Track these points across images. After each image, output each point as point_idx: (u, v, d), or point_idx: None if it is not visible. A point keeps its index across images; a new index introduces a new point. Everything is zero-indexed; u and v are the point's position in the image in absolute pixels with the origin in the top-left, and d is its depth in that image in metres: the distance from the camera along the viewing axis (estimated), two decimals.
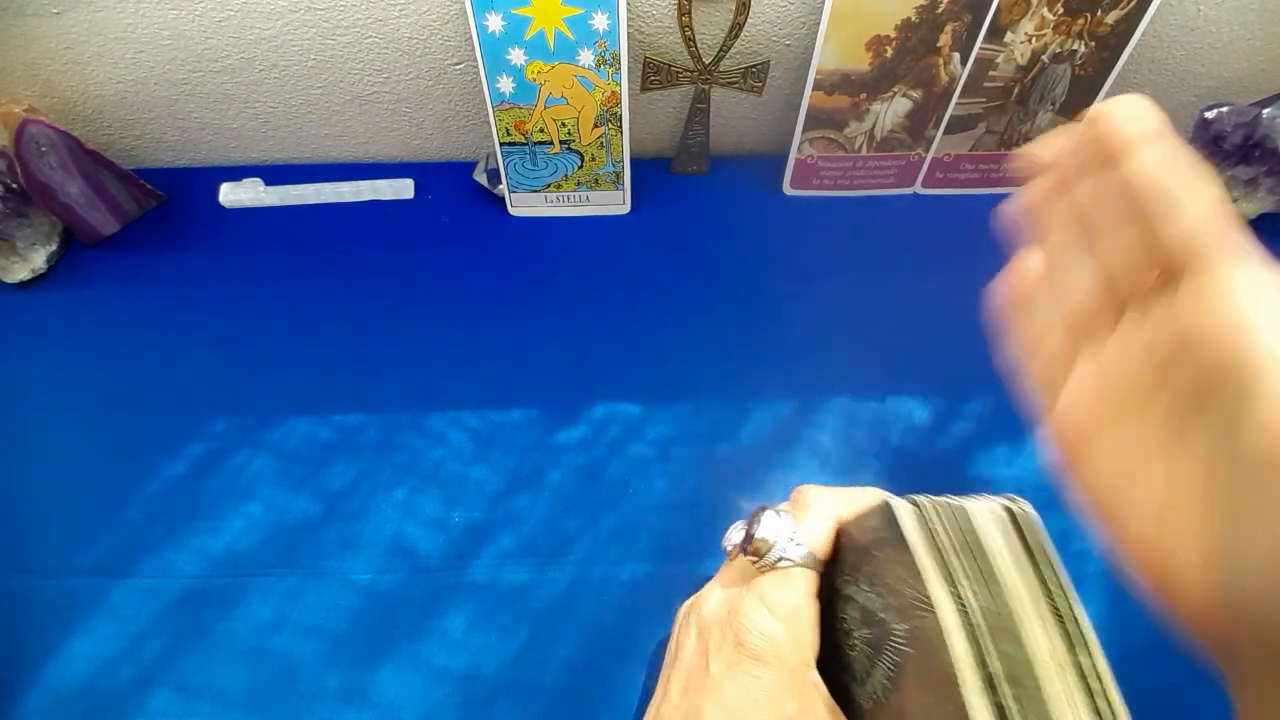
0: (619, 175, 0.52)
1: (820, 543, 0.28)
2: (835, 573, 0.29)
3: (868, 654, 0.26)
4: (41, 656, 0.36)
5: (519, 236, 0.53)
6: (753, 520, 0.29)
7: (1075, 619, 0.22)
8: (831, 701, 0.26)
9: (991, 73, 0.49)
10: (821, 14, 0.45)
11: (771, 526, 0.28)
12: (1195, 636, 0.18)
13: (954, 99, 0.50)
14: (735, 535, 0.30)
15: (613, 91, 0.47)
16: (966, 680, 0.21)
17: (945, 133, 0.52)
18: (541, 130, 0.49)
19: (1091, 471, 0.20)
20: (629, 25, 0.46)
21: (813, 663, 0.27)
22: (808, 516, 0.29)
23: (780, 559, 0.28)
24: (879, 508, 0.26)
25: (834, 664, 0.28)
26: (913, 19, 0.45)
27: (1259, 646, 0.16)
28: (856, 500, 0.29)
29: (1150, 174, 0.18)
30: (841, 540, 0.29)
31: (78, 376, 0.46)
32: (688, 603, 0.31)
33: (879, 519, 0.26)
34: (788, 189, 0.55)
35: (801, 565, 0.28)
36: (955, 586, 0.23)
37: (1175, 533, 0.18)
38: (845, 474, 0.42)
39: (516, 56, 0.45)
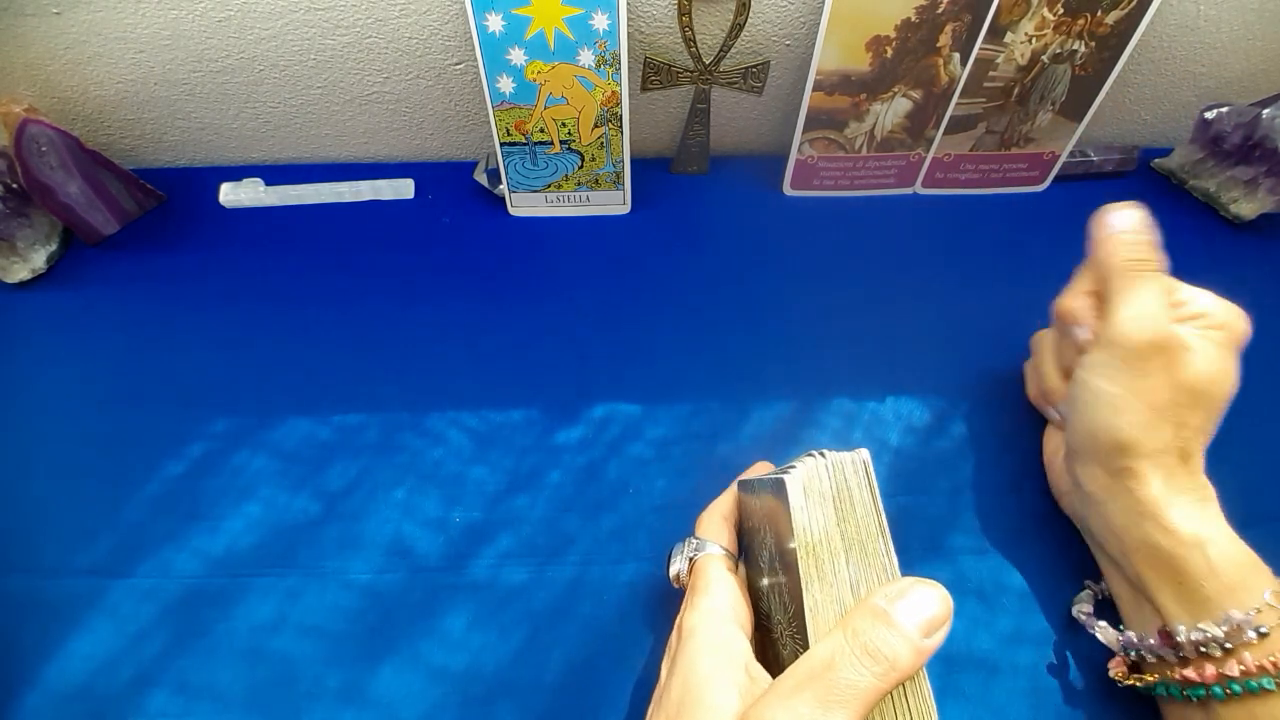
0: (619, 175, 0.52)
1: (710, 531, 0.34)
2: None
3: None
4: (41, 656, 0.36)
5: (519, 236, 0.53)
6: (667, 564, 0.35)
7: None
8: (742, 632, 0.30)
9: (991, 73, 0.49)
10: (821, 14, 0.45)
11: (675, 560, 0.34)
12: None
13: (954, 99, 0.50)
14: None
15: (613, 91, 0.47)
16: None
17: (945, 133, 0.52)
18: (541, 130, 0.49)
19: None
20: (629, 25, 0.46)
21: (730, 612, 0.31)
22: (701, 522, 0.35)
23: (691, 560, 0.34)
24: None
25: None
26: (913, 19, 0.45)
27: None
28: (729, 496, 0.36)
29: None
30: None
31: (77, 377, 0.46)
32: None
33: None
34: (788, 189, 0.55)
35: (700, 555, 0.34)
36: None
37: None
38: None
39: (516, 56, 0.45)
